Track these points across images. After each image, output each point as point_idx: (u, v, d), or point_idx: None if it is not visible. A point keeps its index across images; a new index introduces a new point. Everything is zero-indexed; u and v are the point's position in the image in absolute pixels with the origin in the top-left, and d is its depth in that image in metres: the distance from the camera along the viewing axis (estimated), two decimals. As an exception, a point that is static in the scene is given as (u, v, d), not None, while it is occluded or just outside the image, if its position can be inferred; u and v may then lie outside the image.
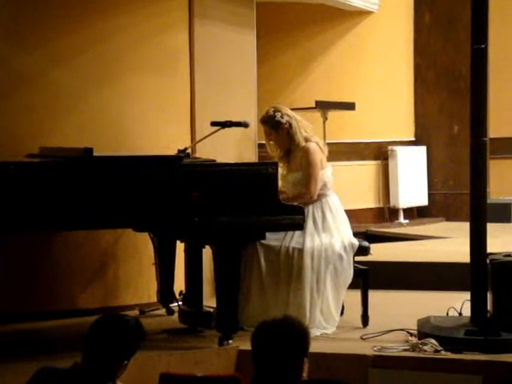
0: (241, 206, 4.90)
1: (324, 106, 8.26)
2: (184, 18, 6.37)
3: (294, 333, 3.15)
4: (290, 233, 5.28)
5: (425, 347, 4.74)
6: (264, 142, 5.76)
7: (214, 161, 5.42)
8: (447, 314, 5.25)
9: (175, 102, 6.32)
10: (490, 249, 4.99)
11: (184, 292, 5.85)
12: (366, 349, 4.84)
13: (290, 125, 5.55)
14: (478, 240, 4.91)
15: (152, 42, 6.21)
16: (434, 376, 4.58)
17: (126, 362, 3.29)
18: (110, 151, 5.62)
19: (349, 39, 9.68)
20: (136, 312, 5.91)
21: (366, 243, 5.57)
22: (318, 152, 5.51)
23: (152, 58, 6.22)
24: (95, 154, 4.82)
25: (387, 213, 9.82)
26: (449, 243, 8.06)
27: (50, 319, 5.70)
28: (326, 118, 8.22)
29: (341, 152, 9.32)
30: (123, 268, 6.11)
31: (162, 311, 5.98)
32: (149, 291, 6.15)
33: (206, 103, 6.40)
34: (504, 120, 9.57)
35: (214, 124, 5.59)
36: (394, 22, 9.95)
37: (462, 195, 9.30)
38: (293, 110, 5.86)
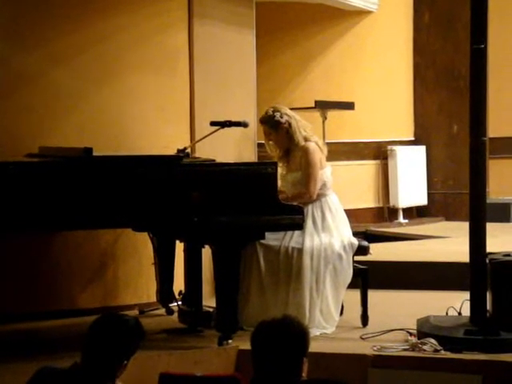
0: (240, 206, 4.91)
1: (323, 106, 8.26)
2: (183, 17, 6.37)
3: (293, 332, 3.15)
4: (289, 232, 5.28)
5: (424, 347, 4.74)
6: (263, 141, 5.76)
7: (214, 161, 5.42)
8: (447, 313, 5.26)
9: (175, 101, 6.33)
10: (489, 248, 4.99)
11: (183, 292, 5.85)
12: (366, 348, 4.84)
13: (290, 124, 5.55)
14: (477, 240, 4.91)
15: (151, 41, 6.21)
16: (434, 375, 4.58)
17: (125, 361, 3.29)
18: (109, 151, 5.62)
19: (348, 39, 9.69)
20: (135, 312, 5.91)
21: (365, 243, 5.57)
22: (318, 152, 5.51)
23: (151, 58, 6.22)
24: (95, 153, 4.82)
25: (387, 212, 9.82)
26: (448, 243, 8.06)
27: (49, 319, 5.70)
28: (325, 118, 8.22)
29: (340, 152, 9.32)
30: (123, 268, 6.11)
31: (162, 311, 5.99)
32: (148, 291, 6.15)
33: (206, 103, 6.40)
34: (503, 120, 9.57)
35: (213, 124, 5.59)
36: (394, 22, 9.95)
37: (461, 195, 9.30)
38: (292, 109, 5.86)
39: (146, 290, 6.17)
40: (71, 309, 5.86)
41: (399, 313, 5.74)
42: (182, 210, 4.85)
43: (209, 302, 5.59)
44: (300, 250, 5.25)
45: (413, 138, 10.15)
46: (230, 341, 4.95)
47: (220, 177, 4.93)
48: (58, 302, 5.87)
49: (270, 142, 5.67)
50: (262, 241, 5.21)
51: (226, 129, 5.60)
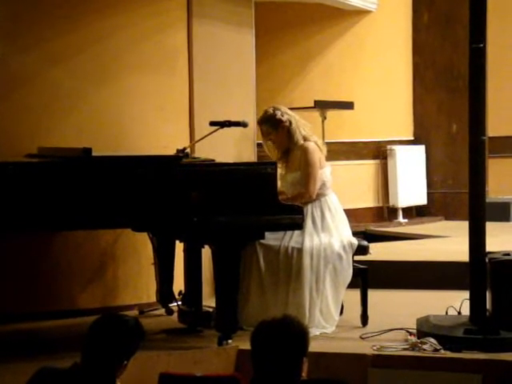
0: (240, 206, 4.91)
1: (323, 106, 8.26)
2: (182, 17, 6.37)
3: (293, 332, 3.15)
4: (289, 232, 5.28)
5: (424, 346, 4.74)
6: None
7: (213, 161, 5.42)
8: (446, 312, 5.26)
9: (174, 101, 6.33)
10: (488, 248, 4.99)
11: (183, 292, 5.85)
12: (366, 348, 4.84)
13: (290, 123, 5.55)
14: (477, 239, 4.91)
15: (150, 41, 6.21)
16: (434, 375, 4.58)
17: (125, 362, 3.29)
18: (108, 151, 5.62)
19: (347, 38, 9.69)
20: (135, 312, 5.91)
21: (365, 242, 5.57)
22: (317, 151, 5.51)
23: (151, 58, 6.22)
24: (94, 153, 4.82)
25: (386, 212, 9.82)
26: (448, 242, 8.07)
27: (49, 319, 5.70)
28: (324, 118, 8.22)
29: (340, 151, 9.33)
30: (122, 268, 6.11)
31: (162, 311, 5.98)
32: (148, 291, 6.15)
33: (205, 103, 6.40)
34: (502, 119, 9.57)
35: (212, 124, 5.59)
36: (393, 22, 9.95)
37: (460, 194, 9.30)
38: (291, 109, 5.86)
39: (146, 290, 6.17)
40: (71, 309, 5.86)
41: (399, 312, 5.74)
42: (182, 210, 4.85)
43: (208, 302, 5.59)
44: (300, 250, 5.25)
45: (412, 138, 10.15)
46: (229, 341, 4.95)
47: (219, 177, 4.93)
48: (57, 302, 5.87)
49: (269, 143, 5.66)
50: (262, 241, 5.21)
51: (225, 129, 5.60)
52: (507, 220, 9.40)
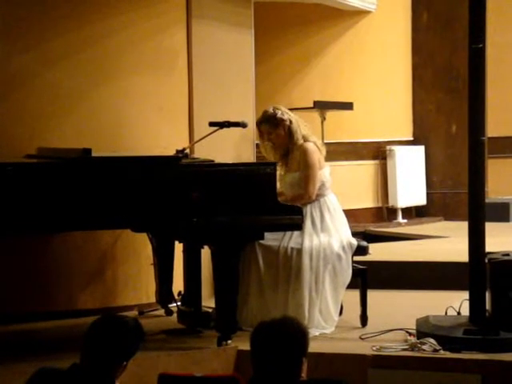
0: (239, 207, 4.90)
1: (322, 106, 8.27)
2: (182, 18, 6.37)
3: (292, 333, 3.15)
4: (288, 233, 5.28)
5: (424, 347, 4.74)
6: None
7: (213, 161, 5.42)
8: (446, 313, 5.26)
9: (173, 102, 6.33)
10: (488, 248, 4.99)
11: (183, 292, 5.85)
12: (365, 348, 4.84)
13: (291, 122, 5.56)
14: (476, 239, 4.91)
15: (150, 42, 6.21)
16: (433, 375, 4.58)
17: (125, 362, 3.29)
18: (108, 152, 5.61)
19: (347, 39, 9.69)
20: (135, 312, 5.91)
21: (364, 243, 5.57)
22: (316, 152, 5.51)
23: (150, 59, 6.22)
24: (94, 154, 4.82)
25: (386, 212, 9.83)
26: (447, 242, 8.07)
27: (49, 319, 5.70)
28: (324, 118, 8.23)
29: (339, 152, 9.33)
30: (122, 268, 6.11)
31: (161, 312, 5.98)
32: (147, 292, 6.15)
33: (204, 103, 6.40)
34: (502, 119, 9.58)
35: (212, 124, 5.59)
36: (392, 22, 9.96)
37: (460, 194, 9.31)
38: (291, 109, 5.86)
39: (146, 290, 6.17)
40: (71, 309, 5.86)
41: (398, 313, 5.74)
42: (181, 211, 4.85)
43: (208, 302, 5.59)
44: (299, 251, 5.25)
45: (411, 138, 10.15)
46: (229, 341, 4.95)
47: (219, 177, 4.93)
48: (57, 303, 5.87)
49: (266, 143, 5.65)
50: (261, 241, 5.21)
51: (224, 129, 5.60)
52: (507, 220, 9.41)
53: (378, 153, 9.84)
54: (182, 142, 5.90)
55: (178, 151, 5.42)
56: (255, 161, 6.68)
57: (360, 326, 5.40)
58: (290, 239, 5.29)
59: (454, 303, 5.24)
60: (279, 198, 5.12)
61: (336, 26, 9.67)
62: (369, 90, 9.62)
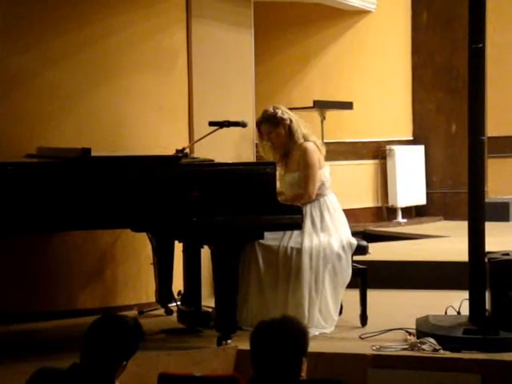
0: (239, 206, 4.90)
1: (322, 106, 8.27)
2: (181, 17, 6.37)
3: (292, 332, 3.15)
4: (288, 232, 5.28)
5: (423, 346, 4.74)
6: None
7: (212, 161, 5.42)
8: (446, 312, 5.26)
9: (173, 101, 6.33)
10: (488, 247, 4.99)
11: (182, 292, 5.85)
12: (365, 348, 4.84)
13: (291, 121, 5.56)
14: (476, 239, 4.91)
15: (150, 41, 6.21)
16: (433, 375, 4.58)
17: (124, 362, 3.29)
18: (107, 151, 5.61)
19: (346, 39, 9.69)
20: (135, 312, 5.91)
21: (364, 242, 5.57)
22: (316, 152, 5.51)
23: (150, 58, 6.22)
24: (93, 154, 4.82)
25: (385, 212, 9.83)
26: (447, 242, 8.07)
27: (48, 319, 5.70)
28: (323, 118, 8.23)
29: (339, 151, 9.33)
30: (122, 268, 6.11)
31: (161, 311, 5.98)
32: (147, 291, 6.15)
33: (204, 103, 6.40)
34: (502, 119, 9.58)
35: (211, 124, 5.59)
36: (392, 22, 9.96)
37: (460, 194, 9.31)
38: (290, 109, 5.86)
39: (145, 290, 6.17)
40: (70, 309, 5.86)
41: (398, 312, 5.74)
42: (181, 211, 4.84)
43: (208, 302, 5.59)
44: (299, 250, 5.25)
45: (411, 138, 10.15)
46: (229, 341, 4.95)
47: (219, 177, 4.93)
48: (57, 303, 5.87)
49: (265, 143, 5.65)
50: (261, 241, 5.21)
51: (224, 129, 5.60)
52: (506, 220, 9.41)
53: (378, 152, 9.84)
54: (182, 142, 5.91)
55: (177, 151, 5.42)
56: (255, 160, 6.68)
57: (360, 325, 5.40)
58: (290, 239, 5.29)
59: (454, 303, 5.24)
60: (279, 197, 5.12)
61: (336, 25, 9.67)
62: (369, 90, 9.62)
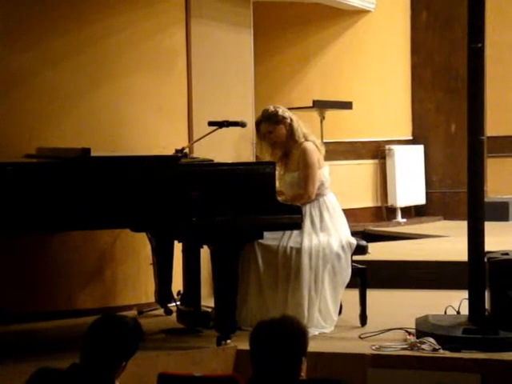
0: (239, 206, 4.90)
1: (321, 106, 8.27)
2: (181, 18, 6.37)
3: (292, 332, 3.14)
4: (287, 232, 5.28)
5: (423, 346, 4.74)
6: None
7: (212, 161, 5.42)
8: (445, 312, 5.26)
9: (172, 101, 6.33)
10: (487, 247, 4.99)
11: (182, 292, 5.85)
12: (365, 348, 4.84)
13: (292, 119, 5.56)
14: (475, 238, 4.91)
15: (149, 42, 6.21)
16: (433, 375, 4.58)
17: (124, 362, 3.29)
18: (107, 151, 5.62)
19: (346, 38, 9.69)
20: (134, 312, 5.91)
21: (363, 242, 5.57)
22: (315, 152, 5.51)
23: (149, 58, 6.22)
24: (93, 154, 4.82)
25: (385, 212, 9.83)
26: (446, 242, 8.07)
27: (48, 319, 5.70)
28: (323, 118, 8.23)
29: (338, 151, 9.33)
30: (121, 268, 6.11)
31: (160, 311, 5.98)
32: (147, 291, 6.15)
33: (204, 103, 6.40)
34: (501, 118, 9.58)
35: (211, 124, 5.59)
36: (391, 21, 9.96)
37: (459, 194, 9.32)
38: (290, 109, 5.87)
39: (145, 290, 6.17)
40: (70, 309, 5.86)
41: (398, 312, 5.74)
42: (181, 211, 4.84)
43: (207, 302, 5.59)
44: (298, 250, 5.25)
45: (411, 138, 10.15)
46: (228, 341, 4.95)
47: (218, 177, 4.93)
48: (56, 303, 5.87)
49: (263, 143, 5.64)
50: (261, 240, 5.21)
51: (223, 129, 5.60)
52: (506, 219, 9.41)
53: (378, 152, 9.84)
54: (182, 142, 5.90)
55: (177, 151, 5.42)
56: (254, 160, 6.68)
57: (359, 325, 5.40)
58: (290, 239, 5.29)
59: (454, 302, 5.24)
60: (279, 197, 5.12)
61: (335, 25, 9.67)
62: (368, 90, 9.62)
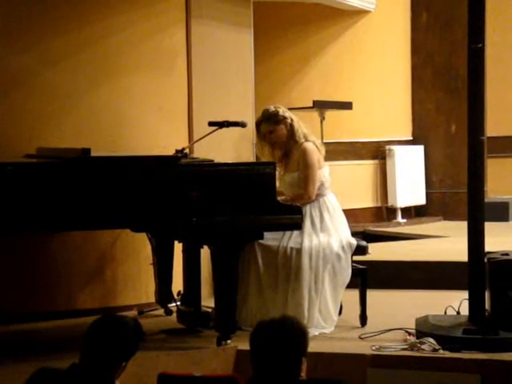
0: (239, 206, 4.90)
1: (321, 106, 8.27)
2: (181, 18, 6.37)
3: (292, 332, 3.15)
4: (287, 233, 5.28)
5: (423, 346, 4.74)
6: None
7: (212, 161, 5.42)
8: (445, 312, 5.26)
9: (173, 101, 6.33)
10: (487, 247, 4.99)
11: (182, 292, 5.85)
12: (365, 348, 4.84)
13: (292, 119, 5.56)
14: (475, 239, 4.91)
15: (149, 42, 6.21)
16: (432, 375, 4.58)
17: (124, 363, 3.29)
18: (107, 151, 5.62)
19: (346, 39, 9.69)
20: (134, 312, 5.91)
21: (364, 243, 5.57)
22: (315, 152, 5.51)
23: (149, 58, 6.22)
24: (93, 154, 4.82)
25: (385, 212, 9.82)
26: (447, 242, 8.07)
27: (48, 319, 5.70)
28: (323, 118, 8.23)
29: (338, 151, 9.33)
30: (121, 268, 6.11)
31: (161, 311, 5.98)
32: (147, 291, 6.15)
33: (204, 103, 6.41)
34: (502, 119, 9.58)
35: (211, 124, 5.59)
36: (391, 22, 9.96)
37: (459, 194, 9.31)
38: (290, 109, 5.86)
39: (145, 290, 6.17)
40: (70, 309, 5.86)
41: (398, 312, 5.74)
42: (181, 211, 4.85)
43: (207, 302, 5.59)
44: (299, 250, 5.25)
45: (411, 138, 10.15)
46: (228, 341, 4.95)
47: (219, 177, 4.93)
48: (56, 303, 5.87)
49: (263, 143, 5.63)
50: (261, 241, 5.21)
51: (224, 129, 5.60)
52: (506, 220, 9.41)
53: (378, 152, 9.84)
54: (182, 142, 5.91)
55: (177, 151, 5.42)
56: (254, 160, 6.68)
57: (359, 325, 5.40)
58: (290, 239, 5.29)
59: (454, 303, 5.24)
60: (279, 197, 5.12)
61: (335, 25, 9.67)
62: (368, 90, 9.62)
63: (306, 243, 5.28)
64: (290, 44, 9.58)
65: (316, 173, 5.45)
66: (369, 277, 5.48)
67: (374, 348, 4.81)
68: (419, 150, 10.00)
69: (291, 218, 5.01)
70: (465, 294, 5.00)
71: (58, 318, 5.75)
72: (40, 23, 5.86)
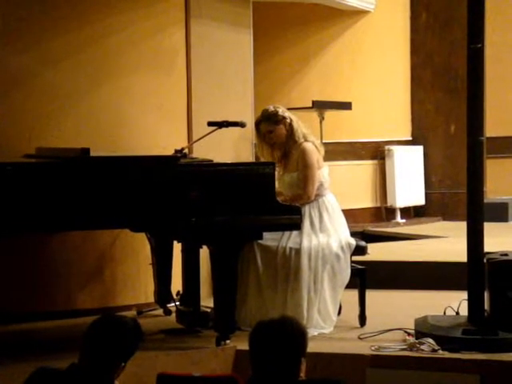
0: (238, 206, 4.90)
1: (321, 106, 8.27)
2: (180, 17, 6.37)
3: (291, 332, 3.15)
4: (286, 233, 5.28)
5: (422, 346, 4.74)
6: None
7: (211, 161, 5.42)
8: (444, 313, 5.26)
9: (172, 101, 6.33)
10: (487, 248, 4.99)
11: (181, 292, 5.85)
12: (364, 348, 4.84)
13: (292, 119, 5.57)
14: (475, 239, 4.92)
15: (149, 42, 6.21)
16: (432, 375, 4.58)
17: (123, 363, 3.29)
18: (107, 151, 5.62)
19: (345, 39, 9.69)
20: (133, 312, 5.91)
21: (363, 243, 5.58)
22: (315, 152, 5.51)
23: (149, 58, 6.22)
24: (92, 154, 4.82)
25: (384, 212, 9.82)
26: (446, 242, 8.07)
27: (47, 319, 5.70)
28: (322, 118, 8.23)
29: (337, 152, 9.33)
30: (121, 268, 6.11)
31: (160, 311, 5.98)
32: (146, 291, 6.15)
33: (203, 103, 6.41)
34: (501, 119, 9.58)
35: (210, 124, 5.59)
36: (391, 22, 9.96)
37: (458, 194, 9.32)
38: (289, 109, 5.86)
39: (144, 290, 6.17)
40: (69, 309, 5.86)
41: (397, 313, 5.74)
42: (180, 211, 4.85)
43: (206, 302, 5.59)
44: (298, 251, 5.25)
45: (410, 138, 10.15)
46: (227, 341, 4.95)
47: (218, 177, 4.93)
48: (56, 303, 5.87)
49: (263, 143, 5.64)
50: (260, 241, 5.21)
51: (223, 129, 5.60)
52: (505, 220, 9.40)
53: (377, 153, 9.83)
54: (181, 142, 5.90)
55: (176, 151, 5.42)
56: (254, 161, 6.68)
57: (358, 325, 5.40)
58: (289, 239, 5.29)
59: (453, 303, 5.24)
60: (278, 197, 5.12)
61: (335, 25, 9.67)
62: (367, 90, 9.62)
63: (305, 243, 5.28)
64: (289, 44, 9.58)
65: (315, 173, 5.45)
66: (368, 277, 5.48)
67: (373, 348, 4.82)
68: (418, 150, 10.00)
69: (290, 218, 5.02)
70: (464, 295, 5.00)
71: (57, 317, 5.75)
72: (40, 23, 5.86)
